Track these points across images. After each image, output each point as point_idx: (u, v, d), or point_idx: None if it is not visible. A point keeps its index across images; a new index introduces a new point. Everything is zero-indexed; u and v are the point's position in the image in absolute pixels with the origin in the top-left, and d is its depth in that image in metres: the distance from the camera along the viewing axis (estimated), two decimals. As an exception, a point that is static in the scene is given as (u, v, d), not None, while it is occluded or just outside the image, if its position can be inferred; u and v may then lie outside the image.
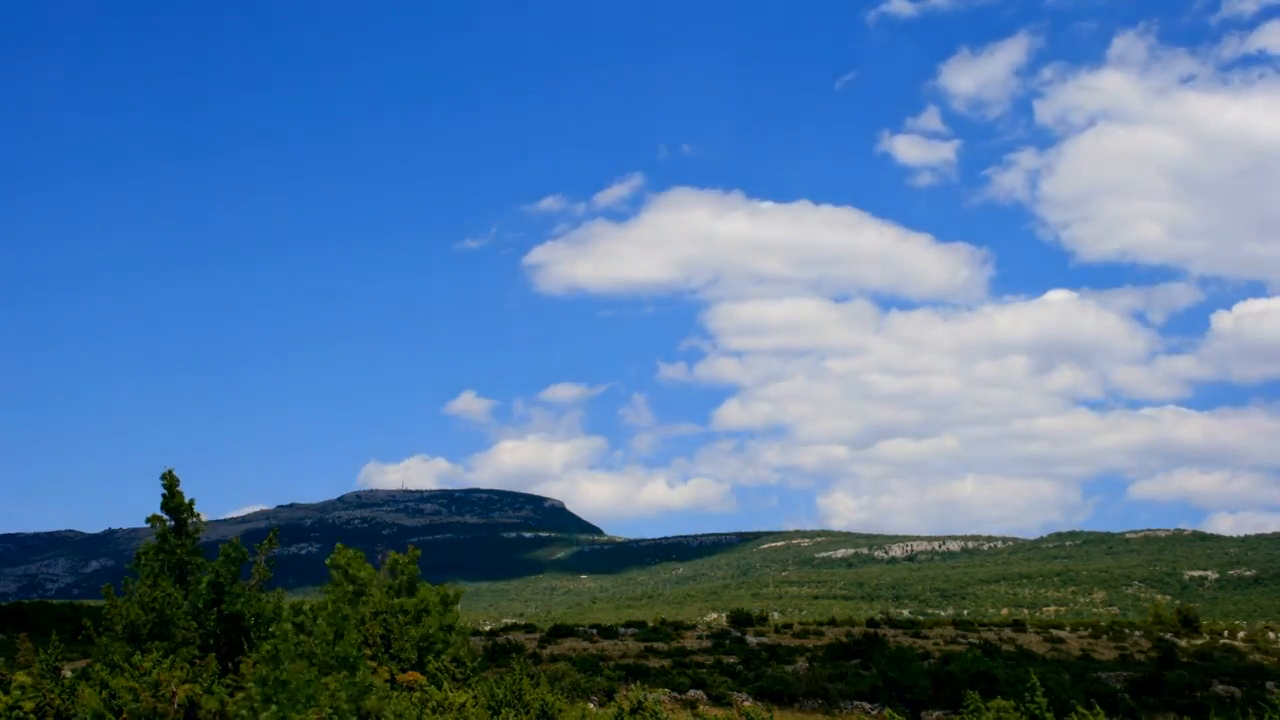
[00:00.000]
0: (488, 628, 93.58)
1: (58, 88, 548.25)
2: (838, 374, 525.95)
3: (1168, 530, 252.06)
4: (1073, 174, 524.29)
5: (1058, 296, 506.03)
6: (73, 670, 27.14)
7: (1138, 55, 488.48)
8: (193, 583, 21.67)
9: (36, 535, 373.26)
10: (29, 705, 18.20)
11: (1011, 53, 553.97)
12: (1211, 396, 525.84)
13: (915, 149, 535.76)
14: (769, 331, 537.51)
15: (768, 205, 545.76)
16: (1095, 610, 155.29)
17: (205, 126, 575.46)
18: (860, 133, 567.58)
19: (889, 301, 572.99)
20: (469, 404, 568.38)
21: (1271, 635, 70.57)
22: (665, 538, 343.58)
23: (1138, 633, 72.40)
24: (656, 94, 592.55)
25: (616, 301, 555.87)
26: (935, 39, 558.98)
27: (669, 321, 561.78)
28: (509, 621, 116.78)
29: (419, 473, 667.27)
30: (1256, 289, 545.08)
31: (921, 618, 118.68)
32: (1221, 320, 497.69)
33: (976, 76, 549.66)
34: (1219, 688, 46.36)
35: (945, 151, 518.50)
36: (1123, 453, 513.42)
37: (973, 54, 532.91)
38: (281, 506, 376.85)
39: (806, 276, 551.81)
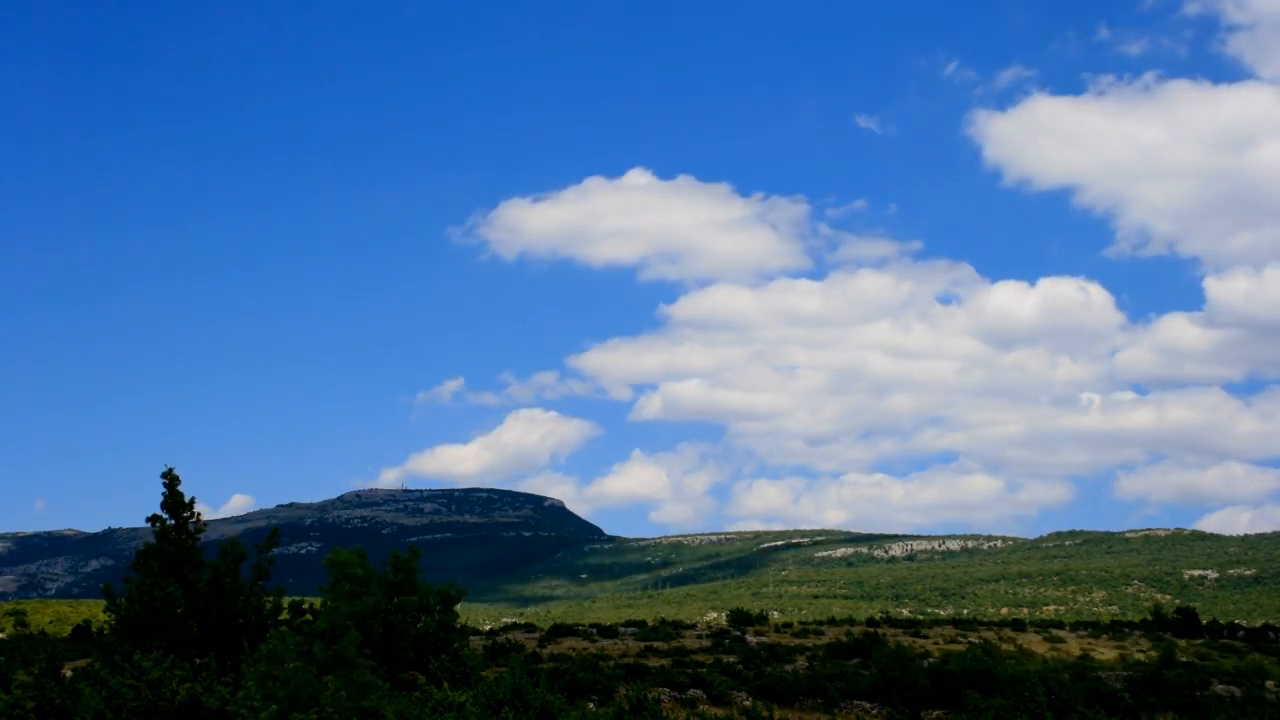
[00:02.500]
0: (488, 627, 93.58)
1: (60, 97, 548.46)
2: (825, 364, 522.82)
3: (1167, 530, 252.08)
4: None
5: (1050, 283, 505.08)
6: (73, 669, 27.13)
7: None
8: (193, 581, 21.65)
9: (36, 535, 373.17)
10: (30, 704, 18.21)
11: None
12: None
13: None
14: (756, 320, 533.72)
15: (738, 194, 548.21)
16: (1095, 610, 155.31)
17: (195, 137, 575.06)
18: (832, 116, 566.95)
19: (879, 288, 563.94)
20: (457, 393, 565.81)
21: (1271, 635, 70.55)
22: (665, 537, 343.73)
23: (1138, 632, 72.36)
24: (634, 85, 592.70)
25: (594, 278, 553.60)
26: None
27: (640, 304, 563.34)
28: (509, 621, 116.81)
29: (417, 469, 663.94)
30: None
31: (921, 617, 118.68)
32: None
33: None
34: (1219, 688, 46.36)
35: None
36: (1124, 445, 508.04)
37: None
38: (281, 506, 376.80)
39: (786, 263, 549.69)
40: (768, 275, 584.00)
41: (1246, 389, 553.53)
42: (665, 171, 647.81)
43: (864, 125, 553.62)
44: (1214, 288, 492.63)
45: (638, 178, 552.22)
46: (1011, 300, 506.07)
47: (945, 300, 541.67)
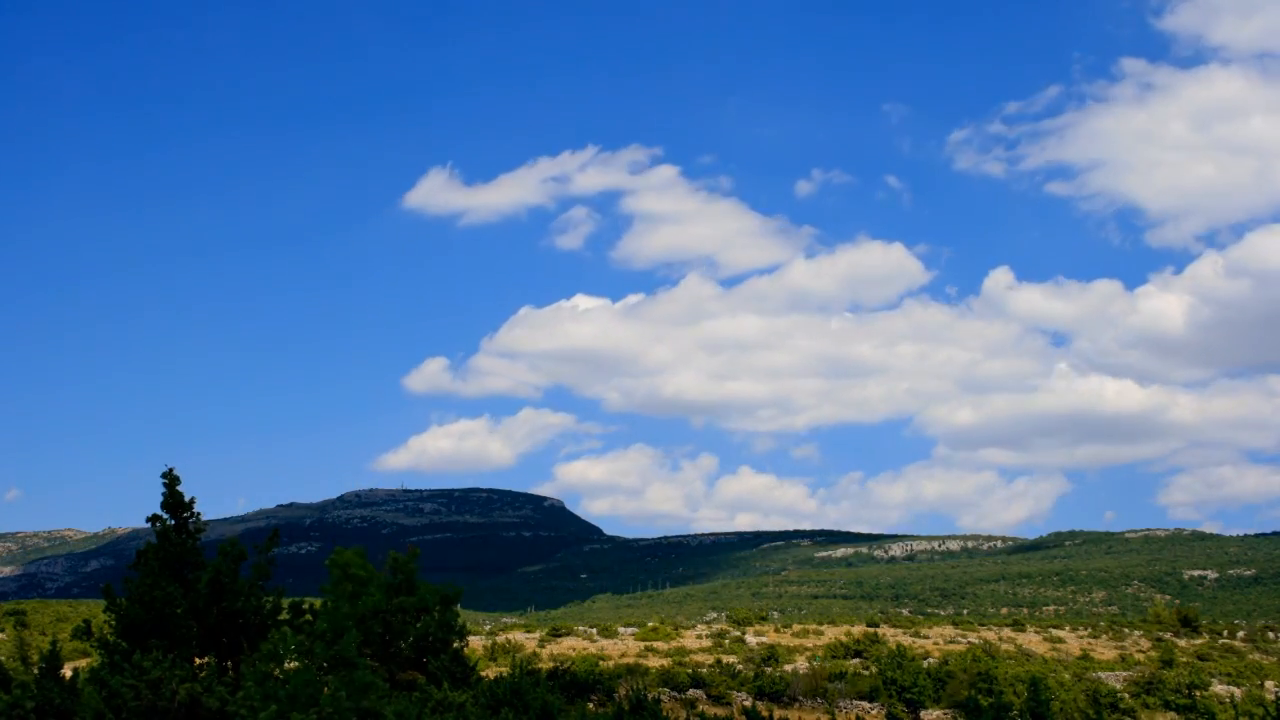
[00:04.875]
0: (487, 628, 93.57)
1: (57, 87, 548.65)
2: (821, 355, 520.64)
3: (1167, 530, 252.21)
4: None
5: (1048, 274, 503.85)
6: (73, 669, 27.17)
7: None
8: (193, 581, 21.64)
9: (36, 535, 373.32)
10: (30, 704, 18.22)
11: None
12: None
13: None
14: (746, 309, 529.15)
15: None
16: (1095, 610, 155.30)
17: (183, 126, 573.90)
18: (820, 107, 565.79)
19: (874, 277, 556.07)
20: (441, 380, 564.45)
21: (1271, 635, 70.59)
22: (665, 537, 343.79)
23: (1137, 633, 72.42)
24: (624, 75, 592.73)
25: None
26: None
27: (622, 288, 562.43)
28: (509, 621, 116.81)
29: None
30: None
31: (921, 617, 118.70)
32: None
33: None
34: (1219, 688, 46.40)
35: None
36: (1126, 443, 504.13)
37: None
38: (281, 506, 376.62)
39: (776, 250, 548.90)
40: (752, 261, 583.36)
41: (1249, 381, 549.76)
42: (656, 153, 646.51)
43: (853, 119, 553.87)
44: (1214, 279, 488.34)
45: (629, 155, 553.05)
46: (1010, 293, 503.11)
47: (942, 290, 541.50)
